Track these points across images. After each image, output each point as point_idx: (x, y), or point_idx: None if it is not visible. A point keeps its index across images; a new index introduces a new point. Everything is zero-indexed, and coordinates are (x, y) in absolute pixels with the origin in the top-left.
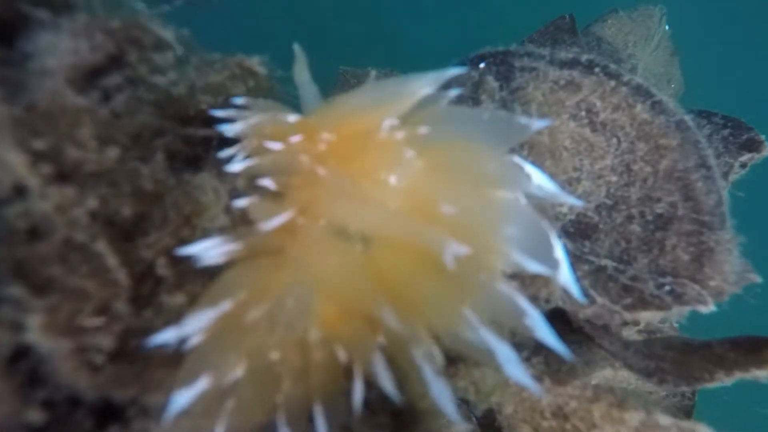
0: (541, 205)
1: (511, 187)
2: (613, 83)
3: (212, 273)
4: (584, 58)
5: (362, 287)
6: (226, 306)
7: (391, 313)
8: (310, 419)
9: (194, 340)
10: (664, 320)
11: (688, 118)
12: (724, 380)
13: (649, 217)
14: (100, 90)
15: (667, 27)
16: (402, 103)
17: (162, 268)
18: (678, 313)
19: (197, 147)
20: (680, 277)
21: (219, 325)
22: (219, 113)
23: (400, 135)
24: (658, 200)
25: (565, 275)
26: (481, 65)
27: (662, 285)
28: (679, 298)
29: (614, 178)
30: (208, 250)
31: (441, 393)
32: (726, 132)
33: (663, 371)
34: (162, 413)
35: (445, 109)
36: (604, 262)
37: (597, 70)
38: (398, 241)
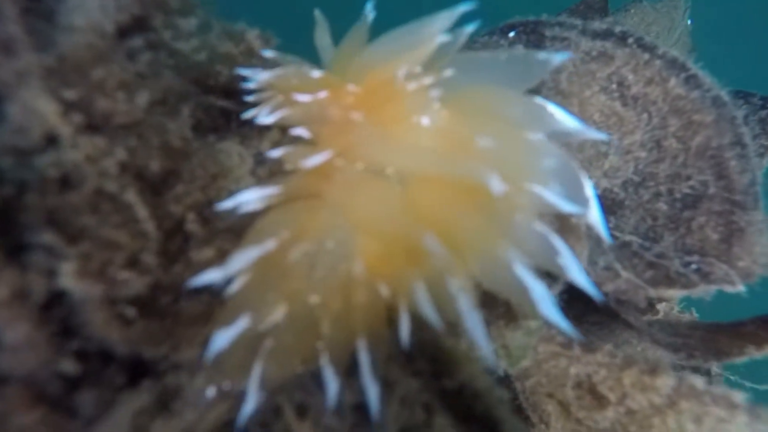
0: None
1: (537, 127)
2: (647, 56)
3: (242, 230)
4: (618, 29)
5: (402, 222)
6: (270, 245)
7: (433, 238)
8: (353, 368)
9: (234, 286)
10: (682, 310)
11: (724, 94)
12: (754, 354)
13: (678, 195)
14: (124, 50)
15: (689, 21)
16: (421, 50)
17: (191, 224)
18: (704, 292)
19: (219, 118)
20: (708, 256)
21: (259, 268)
22: (245, 71)
23: (426, 80)
24: (688, 178)
25: (594, 214)
26: (511, 34)
27: (688, 263)
28: (705, 277)
29: (643, 154)
30: (247, 197)
31: (475, 325)
32: (764, 113)
33: (690, 347)
34: (195, 368)
35: (463, 55)
36: (629, 238)
37: (631, 41)
38: (436, 180)
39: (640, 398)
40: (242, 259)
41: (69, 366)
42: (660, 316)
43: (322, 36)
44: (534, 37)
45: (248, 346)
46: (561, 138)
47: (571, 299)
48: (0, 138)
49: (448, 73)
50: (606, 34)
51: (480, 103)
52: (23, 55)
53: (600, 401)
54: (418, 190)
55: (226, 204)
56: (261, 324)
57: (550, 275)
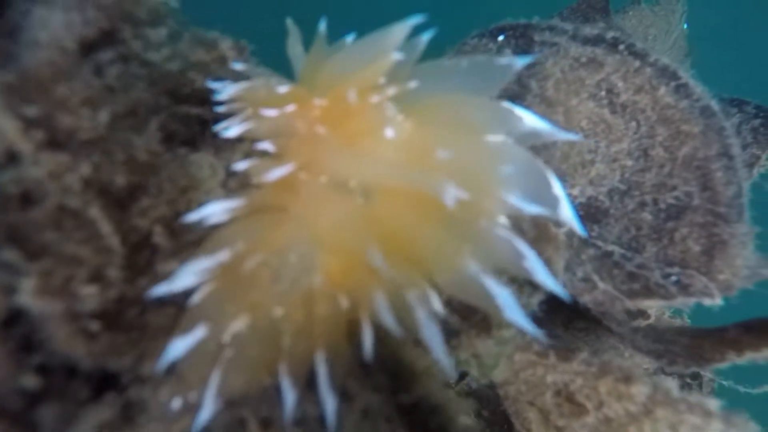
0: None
1: (502, 130)
2: (637, 63)
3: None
4: (609, 35)
5: (363, 237)
6: (224, 255)
7: (376, 253)
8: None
9: (196, 296)
10: (674, 315)
11: (713, 104)
12: (735, 360)
13: (662, 206)
14: (92, 64)
15: (685, 26)
16: (380, 63)
17: (158, 237)
18: (683, 303)
19: (193, 127)
20: (689, 268)
21: (221, 279)
22: (214, 84)
23: (390, 92)
24: (674, 188)
25: (566, 212)
26: (500, 38)
27: (669, 275)
28: (684, 289)
29: (630, 163)
30: (212, 210)
31: (432, 336)
32: (757, 122)
33: (673, 353)
34: (160, 381)
35: (426, 64)
36: (611, 247)
37: (622, 48)
38: (398, 193)
39: (617, 406)
40: (193, 268)
41: (30, 381)
42: (651, 320)
43: (294, 45)
44: (523, 41)
45: (213, 357)
46: (532, 140)
47: (558, 306)
48: None
49: (412, 84)
50: (597, 40)
51: (444, 112)
52: None
53: (578, 409)
54: (381, 203)
55: (192, 216)
56: (221, 334)
57: (532, 284)
